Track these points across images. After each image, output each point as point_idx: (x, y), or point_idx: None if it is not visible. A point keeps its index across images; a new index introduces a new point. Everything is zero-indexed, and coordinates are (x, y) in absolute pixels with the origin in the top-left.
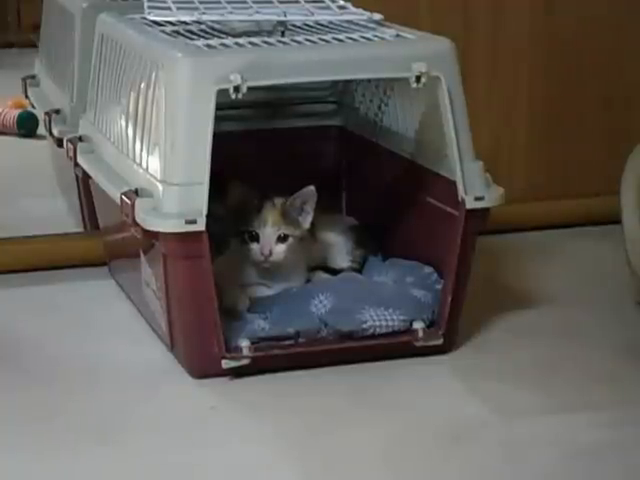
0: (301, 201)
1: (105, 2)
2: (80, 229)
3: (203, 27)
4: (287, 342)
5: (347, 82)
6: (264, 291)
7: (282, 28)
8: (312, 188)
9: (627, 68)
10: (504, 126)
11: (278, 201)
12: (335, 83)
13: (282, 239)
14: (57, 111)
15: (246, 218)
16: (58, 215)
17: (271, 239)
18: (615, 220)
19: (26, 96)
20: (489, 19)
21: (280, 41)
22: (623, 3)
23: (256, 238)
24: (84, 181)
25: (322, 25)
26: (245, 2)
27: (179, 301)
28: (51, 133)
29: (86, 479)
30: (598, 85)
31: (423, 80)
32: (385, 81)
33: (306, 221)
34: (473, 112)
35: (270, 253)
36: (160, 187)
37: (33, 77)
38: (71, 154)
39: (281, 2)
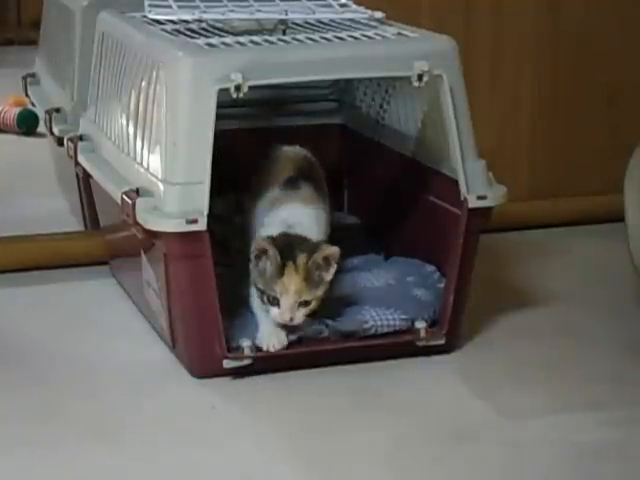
0: (325, 259)
1: (106, 0)
2: (81, 228)
3: (204, 25)
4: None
5: (348, 80)
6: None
7: (283, 26)
8: (336, 249)
9: (630, 67)
10: (507, 125)
11: (301, 260)
12: (336, 81)
13: (304, 304)
14: (58, 110)
15: (267, 277)
16: (59, 214)
17: (293, 307)
18: (618, 218)
19: (26, 94)
20: (491, 18)
21: (281, 40)
22: (626, 2)
23: (277, 303)
24: (85, 180)
25: (323, 23)
26: (246, 0)
27: (180, 301)
28: (52, 132)
29: (86, 478)
30: (601, 83)
31: (425, 79)
32: (387, 79)
33: (329, 274)
34: (475, 111)
35: (291, 320)
36: (161, 186)
37: (33, 75)
38: (72, 153)
39: (282, 0)
